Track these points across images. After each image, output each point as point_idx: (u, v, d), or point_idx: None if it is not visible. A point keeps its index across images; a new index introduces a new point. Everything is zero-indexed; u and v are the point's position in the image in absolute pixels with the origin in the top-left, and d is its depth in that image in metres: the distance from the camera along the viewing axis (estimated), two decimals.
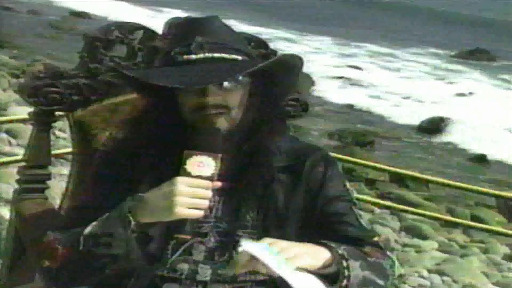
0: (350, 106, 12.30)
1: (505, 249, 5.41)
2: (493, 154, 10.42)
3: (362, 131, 10.29)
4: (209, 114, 1.44)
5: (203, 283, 1.47)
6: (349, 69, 15.45)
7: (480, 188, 6.16)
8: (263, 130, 1.50)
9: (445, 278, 4.41)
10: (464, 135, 11.21)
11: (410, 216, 5.80)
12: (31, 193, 1.91)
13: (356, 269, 1.38)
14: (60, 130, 5.77)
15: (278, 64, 1.50)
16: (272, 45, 1.95)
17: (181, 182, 1.35)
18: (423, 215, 5.71)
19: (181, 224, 1.42)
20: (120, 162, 1.52)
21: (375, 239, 1.53)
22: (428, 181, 7.17)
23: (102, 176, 1.55)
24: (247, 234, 1.48)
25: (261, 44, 1.90)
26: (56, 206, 1.95)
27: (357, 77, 14.64)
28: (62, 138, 5.71)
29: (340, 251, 1.37)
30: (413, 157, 9.87)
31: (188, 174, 1.36)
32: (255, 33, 1.98)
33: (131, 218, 1.38)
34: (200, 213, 1.36)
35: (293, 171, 1.52)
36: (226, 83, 1.45)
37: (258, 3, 24.64)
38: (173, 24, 1.82)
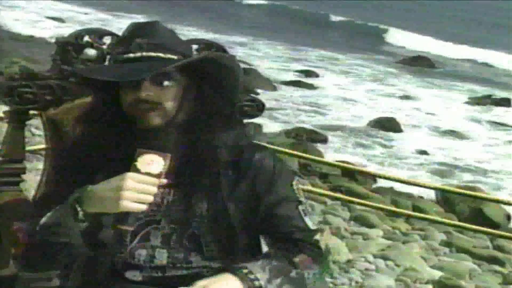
0: (303, 109, 12.37)
1: (442, 236, 5.53)
2: (432, 150, 10.64)
3: (315, 130, 10.39)
4: (142, 109, 1.43)
5: (161, 268, 1.47)
6: (298, 73, 15.50)
7: (421, 182, 6.26)
8: (200, 126, 1.48)
9: (388, 262, 4.47)
10: (407, 134, 11.40)
11: (359, 207, 5.86)
12: (6, 186, 1.87)
13: None
14: (36, 128, 5.66)
15: (210, 63, 1.47)
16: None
17: (130, 178, 1.35)
18: (370, 206, 5.77)
19: (125, 215, 1.40)
20: (77, 156, 1.52)
21: (317, 237, 1.53)
22: (375, 175, 7.26)
23: (62, 169, 1.56)
24: (197, 222, 1.48)
25: (210, 46, 1.85)
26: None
27: (307, 80, 14.70)
28: (38, 135, 5.61)
29: (257, 284, 1.37)
30: (363, 153, 10.01)
31: (138, 171, 1.36)
32: (210, 39, 1.93)
33: (78, 208, 1.38)
34: (143, 207, 1.36)
35: (239, 165, 1.50)
36: (165, 82, 1.44)
37: (215, 11, 24.51)
38: None
